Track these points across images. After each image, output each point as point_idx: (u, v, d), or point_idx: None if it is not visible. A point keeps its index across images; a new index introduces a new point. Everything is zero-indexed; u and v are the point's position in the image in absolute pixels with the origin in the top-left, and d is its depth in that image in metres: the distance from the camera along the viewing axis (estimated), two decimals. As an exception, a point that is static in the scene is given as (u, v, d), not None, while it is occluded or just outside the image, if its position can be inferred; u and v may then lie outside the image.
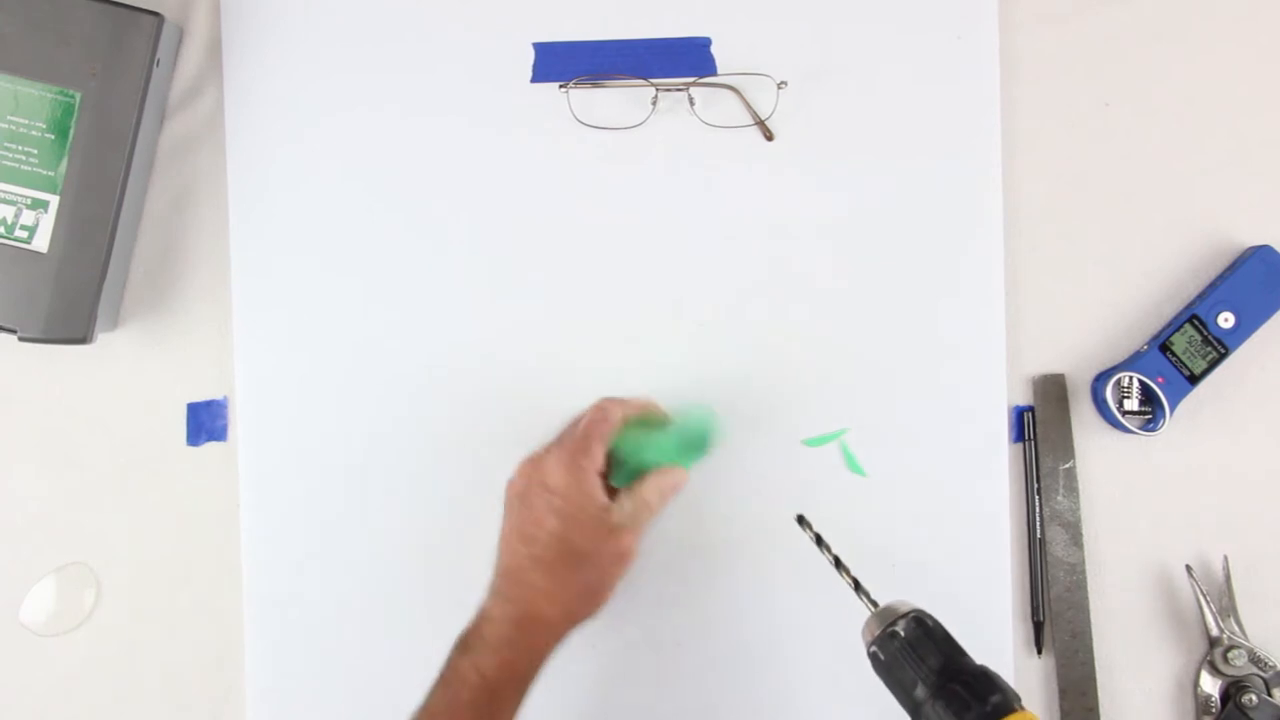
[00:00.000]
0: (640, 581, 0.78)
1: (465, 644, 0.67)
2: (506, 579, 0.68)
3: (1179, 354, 0.77)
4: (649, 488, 0.69)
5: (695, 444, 0.73)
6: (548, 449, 0.70)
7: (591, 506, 0.67)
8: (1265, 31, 0.80)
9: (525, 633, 0.67)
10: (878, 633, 0.65)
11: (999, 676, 0.62)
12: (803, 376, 0.78)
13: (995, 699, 0.60)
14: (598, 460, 0.69)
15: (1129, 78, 0.80)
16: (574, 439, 0.69)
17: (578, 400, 0.73)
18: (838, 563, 0.71)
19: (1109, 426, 0.79)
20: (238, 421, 0.79)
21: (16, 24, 0.74)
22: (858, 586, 0.69)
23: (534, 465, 0.69)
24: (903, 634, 0.64)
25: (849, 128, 0.79)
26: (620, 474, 0.71)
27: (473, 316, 0.79)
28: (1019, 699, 0.61)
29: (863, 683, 0.77)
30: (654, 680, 0.78)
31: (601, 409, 0.70)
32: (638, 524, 0.68)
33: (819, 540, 0.72)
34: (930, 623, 0.64)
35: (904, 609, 0.65)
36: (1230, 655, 0.76)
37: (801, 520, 0.73)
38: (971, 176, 0.78)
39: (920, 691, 0.63)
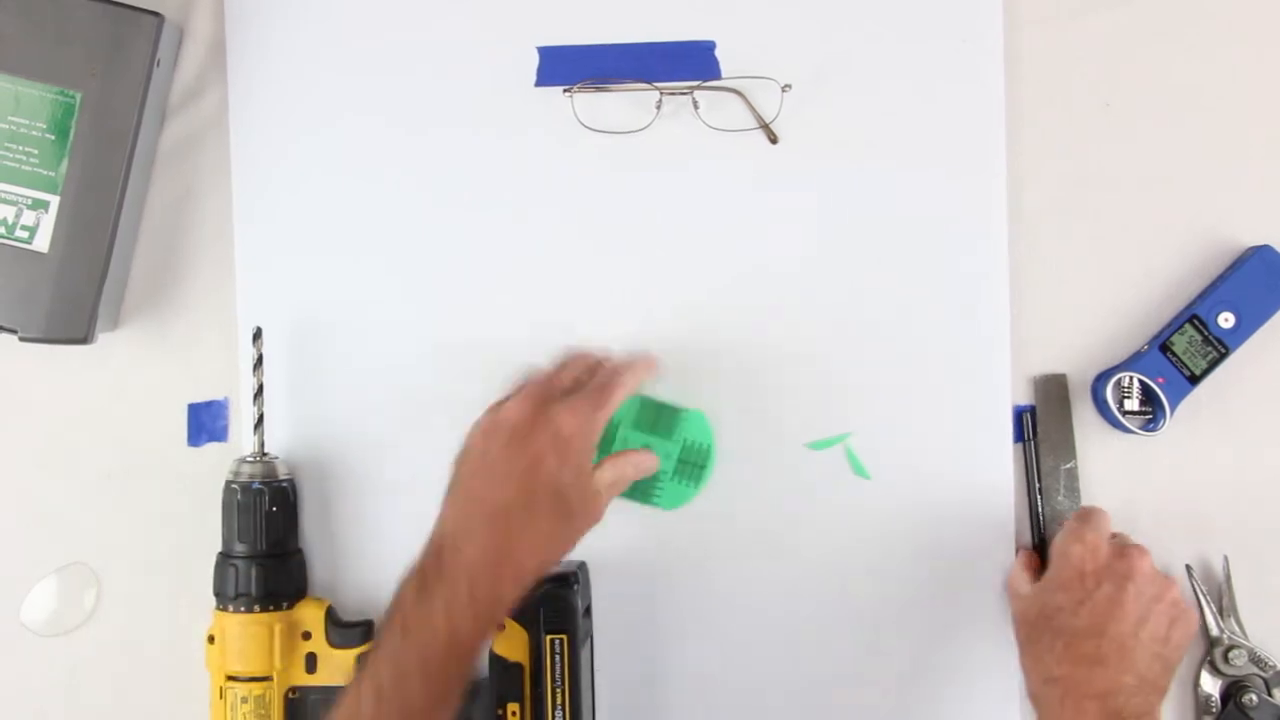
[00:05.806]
0: (642, 583, 0.78)
1: (423, 583, 0.62)
2: (479, 517, 0.64)
3: (1179, 354, 0.77)
4: (628, 463, 0.71)
5: (692, 471, 0.76)
6: (560, 398, 0.67)
7: (586, 462, 0.67)
8: (1265, 31, 0.80)
9: (499, 577, 0.62)
10: None
11: None
12: (807, 380, 0.78)
13: None
14: (604, 421, 0.67)
15: (1129, 78, 0.80)
16: (596, 393, 0.67)
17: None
18: None
19: (1109, 426, 0.79)
20: (238, 422, 0.79)
21: (16, 24, 0.73)
22: None
23: (538, 407, 0.66)
24: None
25: (853, 131, 0.78)
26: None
27: (476, 319, 0.79)
28: None
29: (867, 687, 0.78)
30: (654, 683, 0.79)
31: (620, 374, 0.69)
32: (612, 492, 0.69)
33: None
34: None
35: None
36: (1230, 655, 0.76)
37: None
38: (976, 179, 0.78)
39: None
